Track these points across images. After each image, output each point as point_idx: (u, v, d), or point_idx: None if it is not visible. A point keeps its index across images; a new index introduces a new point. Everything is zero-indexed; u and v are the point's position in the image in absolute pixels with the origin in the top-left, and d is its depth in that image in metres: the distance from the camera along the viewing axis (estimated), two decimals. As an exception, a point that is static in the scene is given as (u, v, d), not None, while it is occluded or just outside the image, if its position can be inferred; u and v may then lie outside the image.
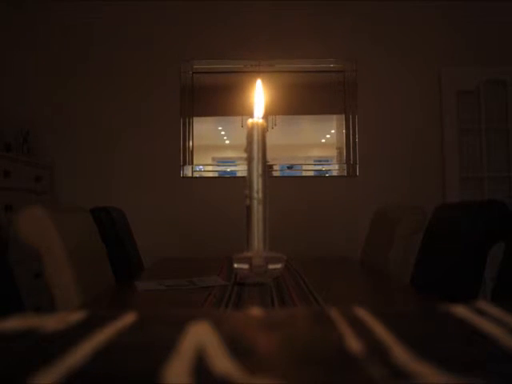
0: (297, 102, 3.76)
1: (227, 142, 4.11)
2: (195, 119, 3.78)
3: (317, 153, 4.13)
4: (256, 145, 0.70)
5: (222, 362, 0.29)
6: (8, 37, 3.71)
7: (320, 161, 4.01)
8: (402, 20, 3.76)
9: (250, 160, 0.71)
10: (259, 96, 0.75)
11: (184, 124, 3.74)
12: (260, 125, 0.71)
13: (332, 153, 4.00)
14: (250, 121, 0.72)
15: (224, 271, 1.93)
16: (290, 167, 3.85)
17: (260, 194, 0.70)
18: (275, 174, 3.79)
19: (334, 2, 3.77)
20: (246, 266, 0.69)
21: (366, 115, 3.73)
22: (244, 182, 0.71)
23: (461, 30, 3.74)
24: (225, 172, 3.94)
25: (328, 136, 4.10)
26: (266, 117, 0.73)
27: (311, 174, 3.87)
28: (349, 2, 3.75)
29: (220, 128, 4.09)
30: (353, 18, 3.76)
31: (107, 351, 0.32)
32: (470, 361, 0.30)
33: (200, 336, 0.34)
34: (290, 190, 3.66)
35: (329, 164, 3.95)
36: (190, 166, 3.73)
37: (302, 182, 3.80)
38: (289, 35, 3.76)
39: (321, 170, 3.94)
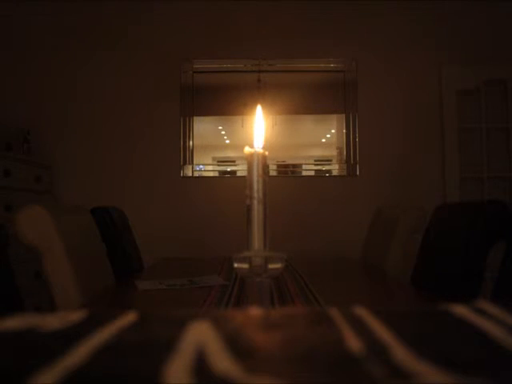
0: (297, 102, 3.76)
1: (227, 141, 4.11)
2: (195, 119, 3.78)
3: (317, 152, 4.12)
4: (256, 183, 0.70)
5: (221, 361, 0.29)
6: (8, 37, 3.71)
7: (320, 160, 4.01)
8: (402, 20, 3.75)
9: (250, 163, 0.71)
10: (259, 124, 0.74)
11: (184, 123, 3.74)
12: (260, 155, 0.71)
13: (332, 152, 4.00)
14: (247, 149, 0.71)
15: (224, 271, 1.93)
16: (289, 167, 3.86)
17: (260, 194, 0.70)
18: (275, 173, 3.80)
19: (335, 1, 3.77)
20: (245, 266, 0.69)
21: (367, 115, 3.73)
22: (244, 182, 0.71)
23: (461, 29, 3.74)
24: (225, 172, 3.94)
25: (328, 136, 4.10)
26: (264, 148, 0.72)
27: (311, 173, 3.87)
28: (349, 1, 3.75)
29: (220, 127, 4.09)
30: (353, 18, 3.76)
31: (107, 351, 0.32)
32: (470, 361, 0.30)
33: (200, 335, 0.34)
34: (290, 190, 3.66)
35: (329, 164, 3.95)
36: (190, 166, 3.73)
37: (302, 181, 3.80)
38: (289, 35, 3.75)
39: (321, 170, 3.94)
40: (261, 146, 0.72)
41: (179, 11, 3.74)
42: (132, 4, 3.73)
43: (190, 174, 3.73)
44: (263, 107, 0.75)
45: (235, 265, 0.70)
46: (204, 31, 3.75)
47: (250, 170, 0.70)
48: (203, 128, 3.91)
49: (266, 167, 0.71)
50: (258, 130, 0.73)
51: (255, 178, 0.70)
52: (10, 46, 3.71)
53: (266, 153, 0.71)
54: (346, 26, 3.77)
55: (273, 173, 3.78)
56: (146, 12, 3.74)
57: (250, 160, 0.71)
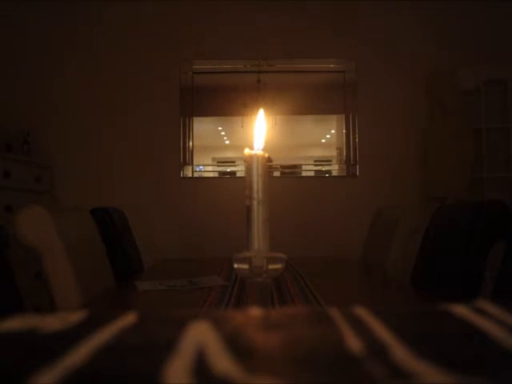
0: (297, 102, 3.76)
1: (227, 142, 4.11)
2: (195, 119, 3.78)
3: (317, 153, 4.12)
4: (256, 184, 0.70)
5: (221, 361, 0.29)
6: (8, 37, 3.70)
7: (320, 161, 4.01)
8: (402, 20, 3.75)
9: (249, 165, 0.71)
10: (261, 127, 0.74)
11: (184, 124, 3.74)
12: (260, 157, 0.71)
13: (332, 153, 4.00)
14: (247, 151, 0.71)
15: (224, 271, 1.93)
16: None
17: (260, 195, 0.70)
18: (275, 174, 3.80)
19: (335, 2, 3.77)
20: (245, 266, 0.69)
21: (366, 115, 3.73)
22: (244, 183, 0.71)
23: (461, 29, 3.74)
24: (225, 172, 3.94)
25: (328, 136, 4.10)
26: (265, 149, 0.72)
27: (311, 174, 3.87)
28: (349, 2, 3.75)
29: (220, 128, 4.09)
30: (353, 18, 3.76)
31: (107, 351, 0.32)
32: (470, 360, 0.30)
33: (200, 336, 0.34)
34: (290, 190, 3.66)
35: (329, 164, 3.95)
36: (190, 167, 3.73)
37: (302, 182, 3.80)
38: (289, 35, 3.75)
39: (321, 170, 3.94)
40: (261, 147, 0.72)
41: (179, 12, 3.74)
42: (132, 4, 3.73)
43: (190, 175, 3.73)
44: (263, 108, 0.75)
45: (235, 265, 0.70)
46: (204, 31, 3.74)
47: (249, 170, 0.70)
48: (203, 129, 3.91)
49: (267, 168, 0.71)
50: (259, 133, 0.73)
51: (255, 179, 0.70)
52: (9, 47, 3.71)
53: (266, 155, 0.71)
54: (346, 27, 3.77)
55: (276, 174, 3.78)
56: (145, 13, 3.74)
57: (249, 161, 0.71)
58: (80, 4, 3.71)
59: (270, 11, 3.75)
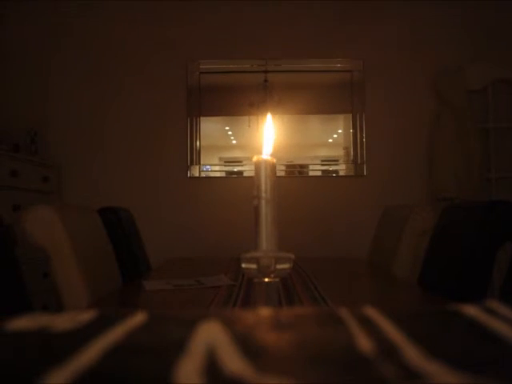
0: (304, 102, 3.75)
1: (234, 141, 4.11)
2: (202, 119, 3.79)
3: (324, 152, 4.12)
4: (264, 183, 0.70)
5: (232, 361, 0.29)
6: (13, 37, 3.72)
7: (327, 160, 4.01)
8: (410, 19, 3.74)
9: (258, 165, 0.71)
10: (269, 132, 0.74)
11: (191, 124, 3.74)
12: (269, 163, 0.71)
13: (339, 152, 3.99)
14: (256, 157, 0.71)
15: (232, 271, 1.93)
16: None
17: (268, 194, 0.70)
18: (283, 173, 3.80)
19: (342, 1, 3.76)
20: (253, 266, 0.69)
21: (374, 114, 3.72)
22: (252, 182, 0.71)
23: (469, 28, 3.72)
24: (232, 172, 3.94)
25: (335, 136, 4.10)
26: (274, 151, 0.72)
27: (318, 173, 3.87)
28: (356, 1, 3.74)
29: (227, 128, 4.09)
30: (360, 18, 3.75)
31: (117, 351, 0.32)
32: (481, 360, 0.30)
33: (211, 336, 0.34)
34: (297, 190, 3.65)
35: (336, 164, 3.94)
36: (197, 166, 3.73)
37: (309, 181, 3.80)
38: (296, 35, 3.75)
39: (328, 170, 3.93)
40: (269, 153, 0.72)
41: (186, 11, 3.74)
42: (138, 4, 3.73)
43: (197, 175, 3.74)
44: (270, 109, 0.75)
45: (243, 265, 0.70)
46: (211, 31, 3.75)
47: (257, 170, 0.70)
48: (210, 128, 3.91)
49: (275, 169, 0.71)
50: (268, 138, 0.73)
51: (263, 179, 0.70)
52: (15, 48, 3.73)
53: (274, 160, 0.71)
54: (353, 26, 3.76)
55: (280, 173, 3.78)
56: (152, 12, 3.74)
57: (258, 163, 0.71)
58: (86, 3, 3.71)
59: (277, 11, 3.75)
